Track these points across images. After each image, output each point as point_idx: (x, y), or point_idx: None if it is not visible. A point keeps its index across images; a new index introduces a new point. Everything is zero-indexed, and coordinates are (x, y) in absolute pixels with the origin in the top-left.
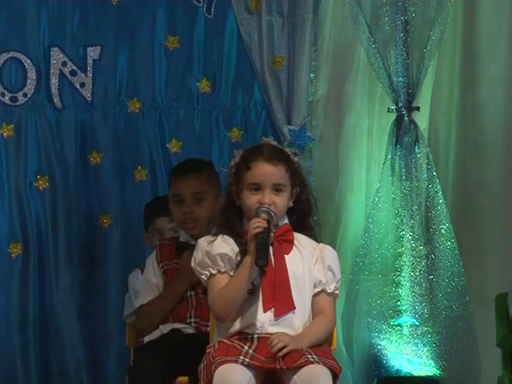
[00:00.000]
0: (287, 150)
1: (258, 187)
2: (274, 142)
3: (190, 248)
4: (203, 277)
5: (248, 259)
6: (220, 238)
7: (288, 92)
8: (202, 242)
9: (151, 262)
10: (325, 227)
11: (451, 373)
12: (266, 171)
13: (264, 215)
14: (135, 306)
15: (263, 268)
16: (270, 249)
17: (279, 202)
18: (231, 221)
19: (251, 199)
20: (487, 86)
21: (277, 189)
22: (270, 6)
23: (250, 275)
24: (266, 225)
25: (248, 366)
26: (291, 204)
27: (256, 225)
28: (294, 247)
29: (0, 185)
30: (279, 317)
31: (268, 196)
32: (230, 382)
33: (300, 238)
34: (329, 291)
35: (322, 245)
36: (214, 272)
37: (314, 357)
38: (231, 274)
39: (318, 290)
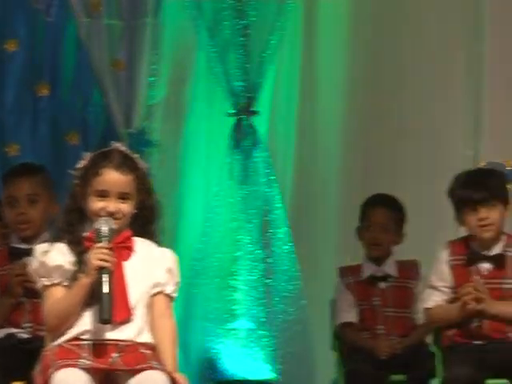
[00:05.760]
0: (136, 155)
1: (104, 194)
2: (123, 148)
3: (22, 252)
4: (39, 285)
5: (84, 280)
6: (56, 247)
7: (127, 95)
8: (38, 250)
9: None
10: (163, 231)
11: (287, 376)
12: (114, 179)
13: (104, 229)
14: None
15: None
16: None
17: (125, 209)
18: (73, 224)
19: (97, 205)
20: (326, 91)
21: (123, 197)
22: (110, 10)
23: (85, 295)
24: (111, 259)
25: (87, 370)
26: (136, 210)
27: (102, 257)
28: (134, 253)
29: None
30: (116, 323)
31: (114, 204)
32: None
33: (141, 244)
34: (167, 292)
35: (162, 249)
36: (48, 283)
37: (154, 362)
38: (65, 284)
39: (157, 290)
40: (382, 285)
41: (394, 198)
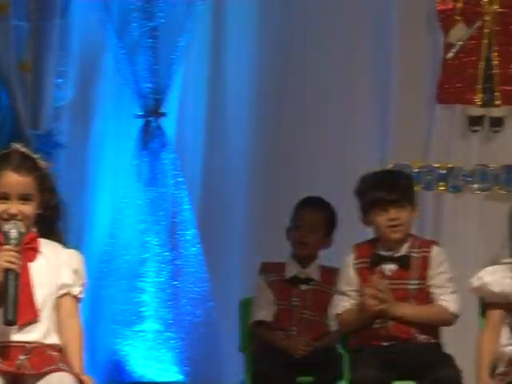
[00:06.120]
0: (37, 156)
1: (5, 196)
2: (23, 149)
3: None
4: None
5: None
6: None
7: (34, 97)
8: None
9: None
10: (70, 232)
11: (194, 378)
12: (14, 181)
13: (13, 232)
14: None
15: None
16: None
17: (27, 211)
18: None
19: None
20: (234, 91)
21: (24, 198)
22: (18, 11)
23: None
24: (18, 262)
25: None
26: (40, 210)
27: (9, 259)
28: (39, 255)
29: None
30: (22, 325)
31: (15, 206)
32: None
33: (46, 245)
34: (74, 294)
35: (68, 250)
36: None
37: (61, 364)
38: None
39: (63, 292)
40: (303, 287)
41: (327, 202)
